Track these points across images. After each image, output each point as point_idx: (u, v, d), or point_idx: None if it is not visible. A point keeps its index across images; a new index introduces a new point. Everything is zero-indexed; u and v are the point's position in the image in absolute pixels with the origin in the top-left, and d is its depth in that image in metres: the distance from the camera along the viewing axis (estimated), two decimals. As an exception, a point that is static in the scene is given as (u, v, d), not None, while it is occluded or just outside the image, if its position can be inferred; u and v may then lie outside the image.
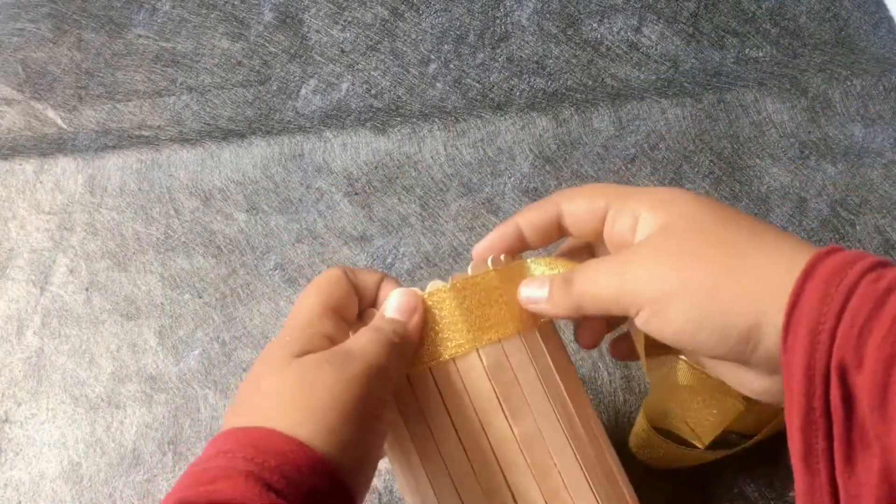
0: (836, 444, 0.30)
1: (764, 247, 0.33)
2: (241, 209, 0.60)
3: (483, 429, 0.36)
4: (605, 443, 0.39)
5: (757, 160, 0.60)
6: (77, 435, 0.52)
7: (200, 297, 0.57)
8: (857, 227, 0.57)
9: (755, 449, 0.50)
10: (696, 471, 0.49)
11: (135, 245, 0.59)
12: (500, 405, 0.37)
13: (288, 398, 0.33)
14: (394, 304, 0.38)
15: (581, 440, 0.37)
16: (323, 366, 0.34)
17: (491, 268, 0.39)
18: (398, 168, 0.61)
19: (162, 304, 0.57)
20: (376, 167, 0.61)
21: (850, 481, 0.29)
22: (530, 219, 0.40)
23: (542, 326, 0.40)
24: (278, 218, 0.59)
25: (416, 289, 0.38)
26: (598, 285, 0.36)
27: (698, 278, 0.33)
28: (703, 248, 0.34)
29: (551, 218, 0.39)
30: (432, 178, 0.61)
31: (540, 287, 0.38)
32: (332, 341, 0.36)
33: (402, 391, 0.37)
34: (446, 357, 0.37)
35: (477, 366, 0.37)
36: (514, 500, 0.36)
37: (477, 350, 0.37)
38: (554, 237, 0.40)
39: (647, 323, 0.35)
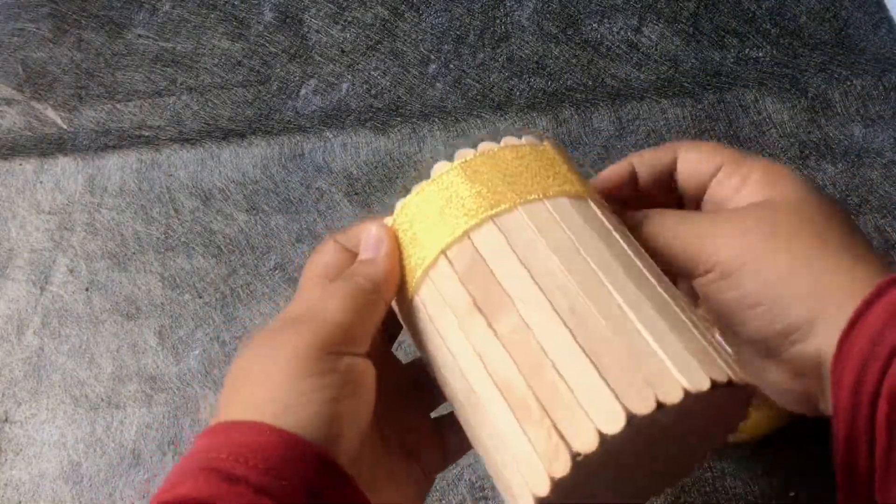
0: (878, 463, 0.30)
1: (849, 253, 0.33)
2: (241, 209, 0.60)
3: (468, 339, 0.32)
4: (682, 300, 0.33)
5: (757, 160, 0.60)
6: (77, 435, 0.52)
7: (200, 297, 0.57)
8: (857, 227, 0.57)
9: (756, 449, 0.50)
10: (696, 471, 0.49)
11: (135, 245, 0.59)
12: (478, 308, 0.32)
13: (244, 378, 0.32)
14: (363, 243, 0.36)
15: (593, 322, 0.31)
16: (264, 337, 0.33)
17: (456, 161, 0.36)
18: (398, 168, 0.61)
19: (162, 304, 0.57)
20: (376, 167, 0.61)
21: (889, 496, 0.30)
22: (648, 160, 0.40)
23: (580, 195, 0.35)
24: (278, 218, 0.59)
25: (381, 219, 0.36)
26: (672, 235, 0.36)
27: (780, 259, 0.33)
28: (794, 233, 0.34)
29: (668, 162, 0.39)
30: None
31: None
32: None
33: (405, 321, 0.35)
34: (420, 274, 0.34)
35: (448, 272, 0.33)
36: (511, 410, 0.30)
37: (444, 254, 0.33)
38: (666, 182, 0.40)
39: (711, 283, 0.35)
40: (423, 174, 0.37)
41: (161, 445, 0.52)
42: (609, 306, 0.31)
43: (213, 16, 0.68)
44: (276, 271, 0.57)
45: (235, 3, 0.69)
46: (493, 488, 0.49)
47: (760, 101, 0.62)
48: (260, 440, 0.30)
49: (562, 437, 0.29)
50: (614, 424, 0.28)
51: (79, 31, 0.68)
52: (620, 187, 0.40)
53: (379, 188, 0.60)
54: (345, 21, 0.68)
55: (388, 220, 0.37)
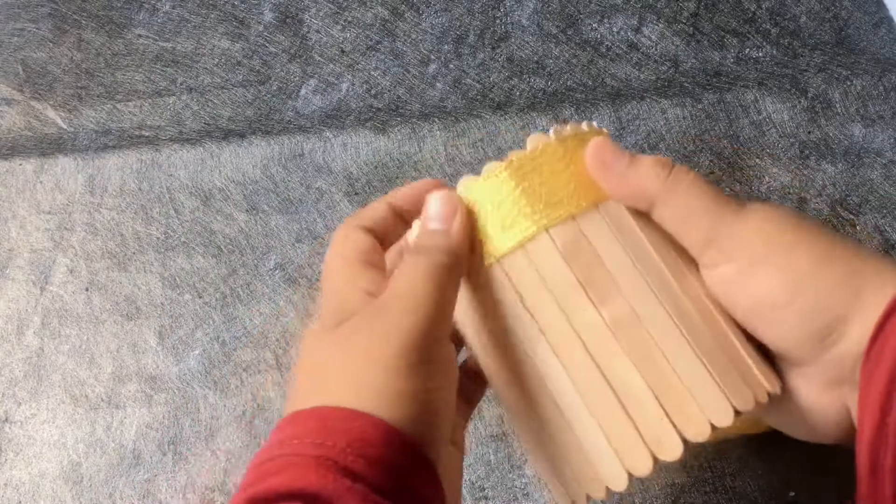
0: None
1: (865, 250, 0.32)
2: (241, 209, 0.60)
3: (568, 319, 0.32)
4: (725, 322, 0.34)
5: (757, 160, 0.60)
6: (77, 435, 0.52)
7: (200, 297, 0.57)
8: (857, 227, 0.57)
9: (755, 449, 0.50)
10: (696, 469, 0.49)
11: (135, 245, 0.59)
12: (583, 289, 0.32)
13: (336, 371, 0.30)
14: (431, 212, 0.34)
15: (691, 319, 0.32)
16: (358, 327, 0.31)
17: (553, 138, 0.35)
18: (398, 168, 0.61)
19: (162, 304, 0.57)
20: (376, 167, 0.61)
21: None
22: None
23: None
24: (278, 218, 0.59)
25: (451, 189, 0.34)
26: (693, 214, 0.33)
27: (803, 251, 0.31)
28: (811, 233, 0.32)
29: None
30: (432, 178, 0.61)
31: (652, 164, 0.34)
32: (372, 293, 0.32)
33: (468, 297, 0.34)
34: (513, 245, 0.33)
35: (550, 248, 0.33)
36: (615, 393, 0.31)
37: (547, 231, 0.33)
38: None
39: (728, 281, 0.32)
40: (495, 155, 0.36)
41: (161, 445, 0.52)
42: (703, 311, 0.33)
43: (213, 16, 0.68)
44: (276, 271, 0.57)
45: (235, 3, 0.69)
46: (494, 488, 0.49)
47: (760, 101, 0.62)
48: (375, 435, 0.28)
49: (673, 424, 0.30)
50: (725, 419, 0.30)
51: (79, 31, 0.68)
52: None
53: (379, 188, 0.60)
54: (345, 21, 0.68)
55: (444, 190, 0.36)
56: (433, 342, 0.31)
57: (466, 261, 0.34)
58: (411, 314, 0.30)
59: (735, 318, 0.33)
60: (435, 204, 0.34)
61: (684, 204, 0.33)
